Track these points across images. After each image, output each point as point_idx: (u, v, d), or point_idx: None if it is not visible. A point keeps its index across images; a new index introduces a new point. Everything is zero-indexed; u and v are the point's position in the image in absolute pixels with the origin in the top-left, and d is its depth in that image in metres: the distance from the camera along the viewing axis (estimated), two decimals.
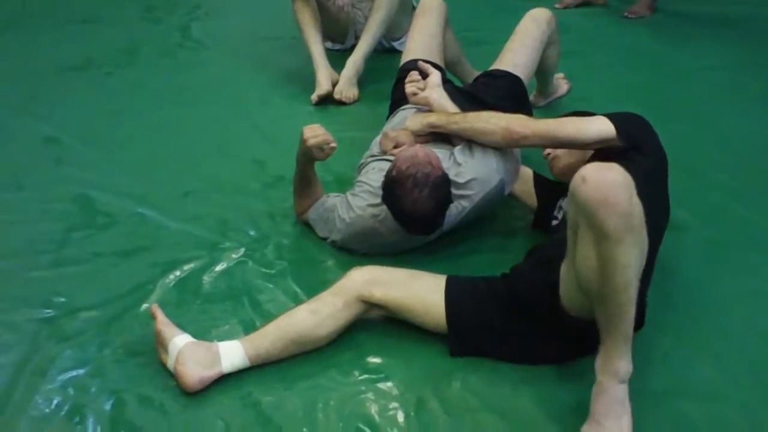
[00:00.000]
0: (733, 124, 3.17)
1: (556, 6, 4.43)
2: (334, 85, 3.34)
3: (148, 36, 4.09)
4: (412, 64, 2.60)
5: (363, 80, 3.41)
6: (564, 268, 1.80)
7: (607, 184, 1.53)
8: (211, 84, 3.54)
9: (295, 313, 1.98)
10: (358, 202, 2.28)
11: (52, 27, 4.17)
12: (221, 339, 1.97)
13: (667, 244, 2.07)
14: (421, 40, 2.83)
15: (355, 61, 3.38)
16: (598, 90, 3.40)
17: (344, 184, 2.58)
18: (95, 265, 2.32)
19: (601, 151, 2.08)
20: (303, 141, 2.26)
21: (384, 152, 2.36)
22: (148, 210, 2.57)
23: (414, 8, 3.10)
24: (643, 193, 1.59)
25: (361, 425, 1.80)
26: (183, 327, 1.95)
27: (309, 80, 3.37)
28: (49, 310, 2.13)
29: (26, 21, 4.24)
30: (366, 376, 1.94)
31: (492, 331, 1.96)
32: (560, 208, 2.26)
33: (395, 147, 2.33)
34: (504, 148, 2.24)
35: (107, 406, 1.84)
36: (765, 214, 2.55)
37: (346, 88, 3.33)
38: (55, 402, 1.85)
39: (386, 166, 2.23)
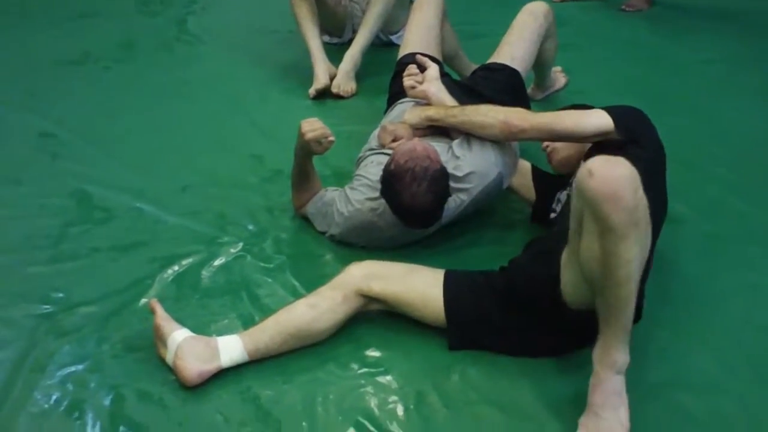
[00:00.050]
0: (731, 118, 3.18)
1: None
2: (331, 79, 3.34)
3: (145, 30, 4.08)
4: (410, 58, 2.60)
5: (361, 74, 3.41)
6: (564, 259, 1.80)
7: (614, 178, 1.53)
8: (208, 78, 3.54)
9: (294, 308, 1.98)
10: (356, 196, 2.28)
11: (49, 21, 4.15)
12: (220, 334, 1.97)
13: (665, 238, 2.07)
14: (419, 34, 2.83)
15: (352, 55, 3.38)
16: (595, 83, 3.40)
17: (342, 178, 2.58)
18: (93, 261, 2.32)
19: (600, 144, 2.08)
20: (301, 135, 2.26)
21: (382, 146, 2.36)
22: (146, 205, 2.57)
23: (411, 2, 3.09)
24: (642, 186, 1.59)
25: (360, 419, 1.81)
26: (182, 322, 1.96)
27: (307, 74, 3.36)
28: (48, 306, 2.13)
29: (23, 16, 4.23)
30: (365, 369, 1.95)
31: (490, 324, 1.97)
32: (558, 200, 2.26)
33: (393, 140, 2.32)
34: (502, 141, 2.25)
35: (106, 402, 1.84)
36: (763, 208, 2.56)
37: (344, 81, 3.33)
38: (54, 397, 1.85)
39: (384, 159, 2.23)
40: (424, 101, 2.40)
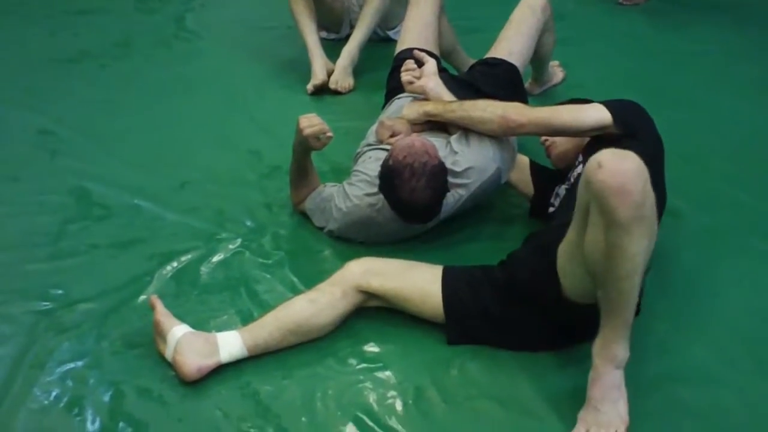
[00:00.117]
0: (729, 110, 3.18)
1: None
2: (329, 74, 3.33)
3: (143, 27, 4.07)
4: (408, 53, 2.60)
5: (358, 70, 3.41)
6: (564, 251, 1.80)
7: (622, 171, 1.53)
8: (206, 75, 3.53)
9: (293, 304, 1.98)
10: (355, 192, 2.28)
11: (47, 18, 4.14)
12: (219, 329, 1.98)
13: (664, 231, 2.06)
14: (416, 29, 2.82)
15: (350, 51, 3.38)
16: (593, 77, 3.40)
17: (341, 173, 2.58)
18: (92, 257, 2.32)
19: (598, 138, 2.08)
20: (299, 131, 2.26)
21: (380, 141, 2.36)
22: (145, 201, 2.56)
23: None
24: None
25: (359, 414, 1.81)
26: (181, 318, 1.96)
27: (305, 70, 3.36)
28: (47, 303, 2.13)
29: (21, 13, 4.22)
30: (364, 365, 1.95)
31: (489, 318, 1.97)
32: (557, 195, 2.26)
33: (392, 136, 2.32)
34: (500, 136, 2.25)
35: (106, 398, 1.84)
36: (761, 199, 2.56)
37: (342, 77, 3.33)
38: (53, 394, 1.85)
39: (383, 155, 2.23)
40: (422, 96, 2.40)
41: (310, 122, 2.25)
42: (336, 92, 3.31)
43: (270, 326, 1.94)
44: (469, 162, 2.21)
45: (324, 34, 3.73)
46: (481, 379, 1.90)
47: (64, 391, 1.86)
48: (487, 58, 2.65)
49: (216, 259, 2.31)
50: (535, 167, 2.48)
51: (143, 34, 3.96)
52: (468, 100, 2.30)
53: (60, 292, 2.17)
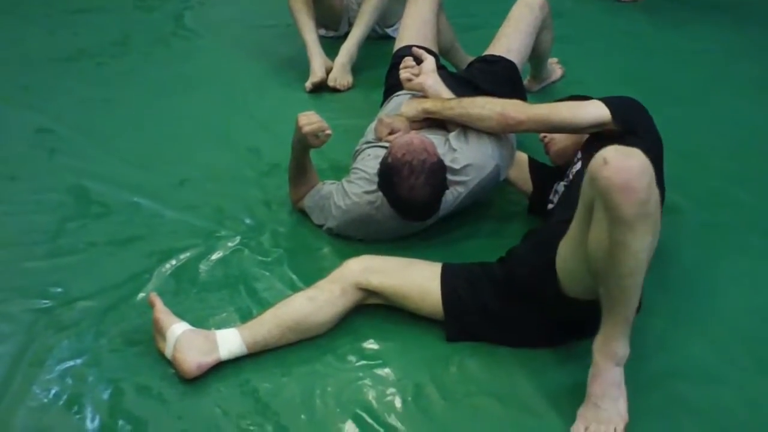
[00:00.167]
0: (728, 107, 3.18)
1: None
2: (328, 72, 3.33)
3: (142, 25, 4.07)
4: (406, 50, 2.60)
5: (357, 67, 3.40)
6: (564, 247, 1.80)
7: (627, 168, 1.52)
8: (205, 73, 3.53)
9: (293, 301, 1.98)
10: (354, 189, 2.28)
11: (46, 17, 4.14)
12: (218, 327, 1.98)
13: (663, 228, 2.03)
14: (415, 27, 2.82)
15: (348, 48, 3.38)
16: (592, 74, 3.40)
17: (340, 171, 2.58)
18: (91, 255, 2.32)
19: (597, 135, 2.08)
20: (298, 128, 2.26)
21: (379, 139, 2.36)
22: (144, 199, 2.56)
23: None
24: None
25: (358, 411, 1.81)
26: (180, 316, 1.96)
27: (304, 68, 3.36)
28: (46, 301, 2.13)
29: (19, 11, 4.21)
30: (363, 362, 1.95)
31: (488, 315, 1.97)
32: (556, 192, 2.26)
33: (390, 133, 2.32)
34: (499, 133, 2.25)
35: (105, 396, 1.84)
36: (761, 197, 2.56)
37: (341, 75, 3.33)
38: (53, 392, 1.85)
39: (382, 152, 2.23)
40: (421, 94, 2.40)
41: (309, 120, 2.24)
42: (335, 90, 3.31)
43: (269, 324, 1.94)
44: (467, 159, 2.21)
45: (323, 31, 3.73)
46: (481, 375, 1.90)
47: (64, 389, 1.85)
48: (485, 56, 2.65)
49: (215, 256, 2.30)
50: (533, 164, 2.48)
51: (142, 32, 3.96)
52: (467, 97, 2.30)
53: (59, 289, 2.17)
